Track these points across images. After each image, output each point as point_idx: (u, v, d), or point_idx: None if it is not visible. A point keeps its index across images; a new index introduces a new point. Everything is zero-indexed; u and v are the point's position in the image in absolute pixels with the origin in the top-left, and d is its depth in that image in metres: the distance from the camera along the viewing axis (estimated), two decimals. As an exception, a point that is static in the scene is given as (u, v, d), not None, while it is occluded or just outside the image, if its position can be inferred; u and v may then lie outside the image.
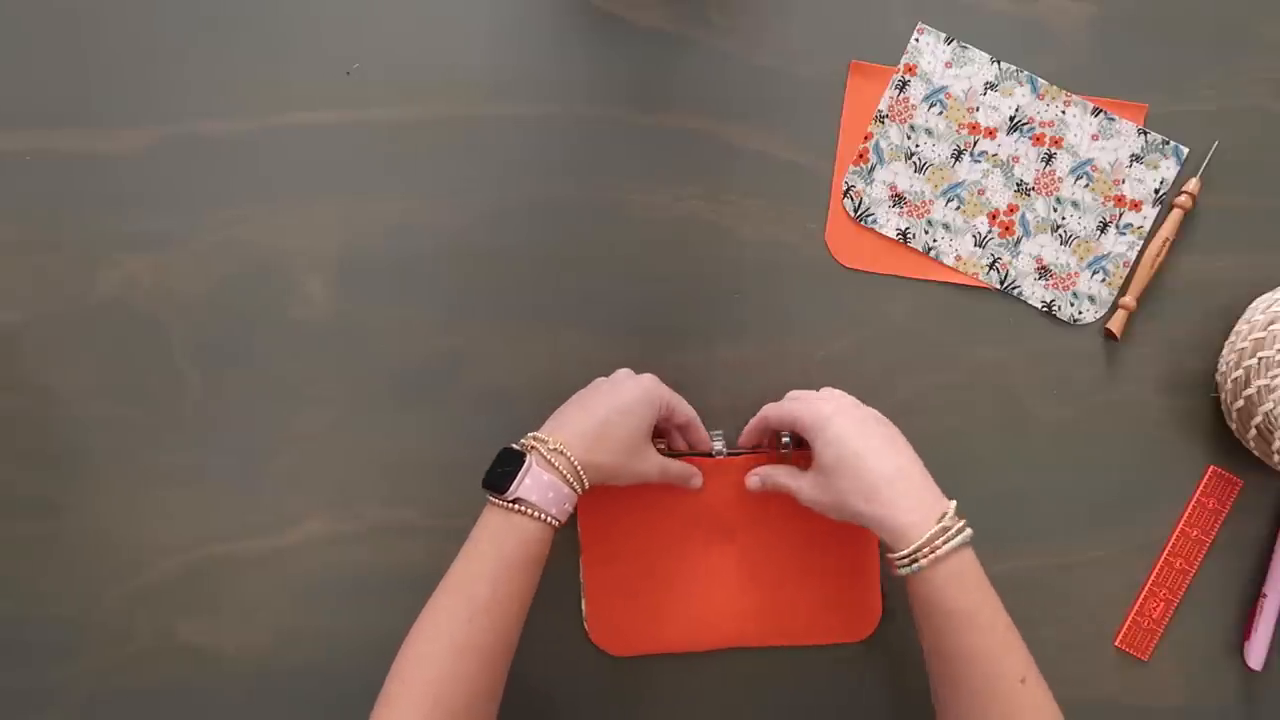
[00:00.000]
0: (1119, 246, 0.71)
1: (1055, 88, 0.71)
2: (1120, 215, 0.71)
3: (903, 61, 0.71)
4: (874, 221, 0.71)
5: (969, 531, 0.57)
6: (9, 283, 0.69)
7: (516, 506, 0.57)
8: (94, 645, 0.67)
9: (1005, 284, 0.71)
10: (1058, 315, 0.71)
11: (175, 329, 0.69)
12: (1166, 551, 0.70)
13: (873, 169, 0.71)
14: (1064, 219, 0.71)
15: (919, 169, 0.71)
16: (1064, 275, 0.71)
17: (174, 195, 0.69)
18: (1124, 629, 0.70)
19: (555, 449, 0.58)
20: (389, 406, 0.69)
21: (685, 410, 0.66)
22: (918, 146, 0.71)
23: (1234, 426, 0.69)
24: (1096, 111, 0.71)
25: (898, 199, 0.71)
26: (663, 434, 0.68)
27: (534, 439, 0.59)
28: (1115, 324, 0.70)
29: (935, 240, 0.71)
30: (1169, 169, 0.71)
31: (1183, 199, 0.70)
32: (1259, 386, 0.64)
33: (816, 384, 0.68)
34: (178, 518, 0.68)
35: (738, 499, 0.68)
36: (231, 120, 0.69)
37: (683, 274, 0.70)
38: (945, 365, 0.71)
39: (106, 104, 0.69)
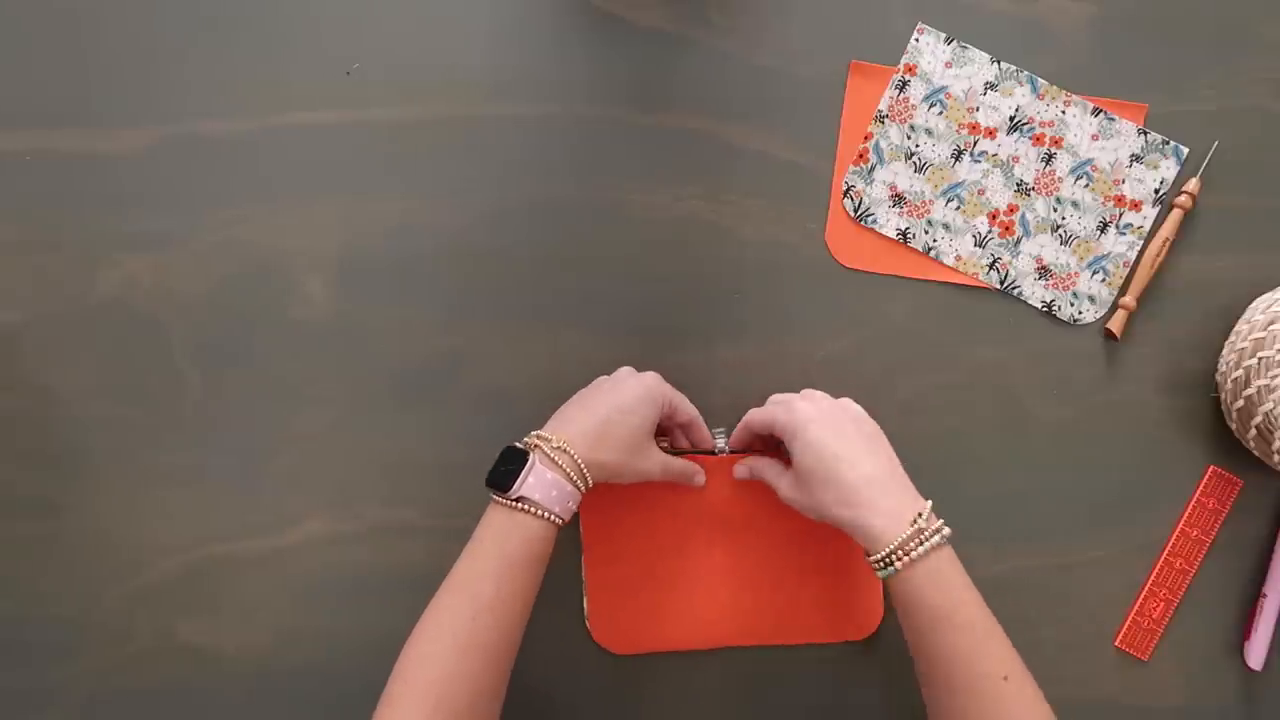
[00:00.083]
0: (1119, 246, 0.71)
1: (1055, 88, 0.71)
2: (1120, 215, 0.71)
3: (903, 61, 0.71)
4: (874, 221, 0.71)
5: (946, 531, 0.57)
6: (9, 283, 0.69)
7: (520, 505, 0.57)
8: (94, 645, 0.67)
9: (1005, 284, 0.71)
10: (1058, 315, 0.71)
11: (175, 329, 0.69)
12: (1166, 551, 0.70)
13: (873, 169, 0.71)
14: (1064, 219, 0.71)
15: (919, 169, 0.71)
16: (1064, 275, 0.71)
17: (174, 195, 0.69)
18: (1124, 629, 0.70)
19: (558, 447, 0.58)
20: (389, 406, 0.69)
21: (687, 408, 0.66)
22: (918, 146, 0.71)
23: (1234, 426, 0.69)
24: (1096, 111, 0.71)
25: (898, 199, 0.71)
26: (665, 432, 0.68)
27: (537, 437, 0.59)
28: (1115, 324, 0.70)
29: (935, 240, 0.71)
30: (1169, 169, 0.71)
31: (1183, 199, 0.70)
32: (1259, 386, 0.64)
33: (817, 384, 0.68)
34: (178, 518, 0.68)
35: (739, 497, 0.68)
36: (231, 120, 0.69)
37: (683, 274, 0.70)
38: (945, 365, 0.71)
39: (106, 104, 0.69)
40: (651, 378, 0.64)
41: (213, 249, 0.69)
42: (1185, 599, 0.70)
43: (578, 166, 0.70)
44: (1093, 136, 0.71)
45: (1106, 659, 0.70)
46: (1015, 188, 0.71)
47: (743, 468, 0.67)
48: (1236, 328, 0.69)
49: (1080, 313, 0.71)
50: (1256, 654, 0.69)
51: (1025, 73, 0.71)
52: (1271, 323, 0.65)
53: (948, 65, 0.71)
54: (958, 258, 0.71)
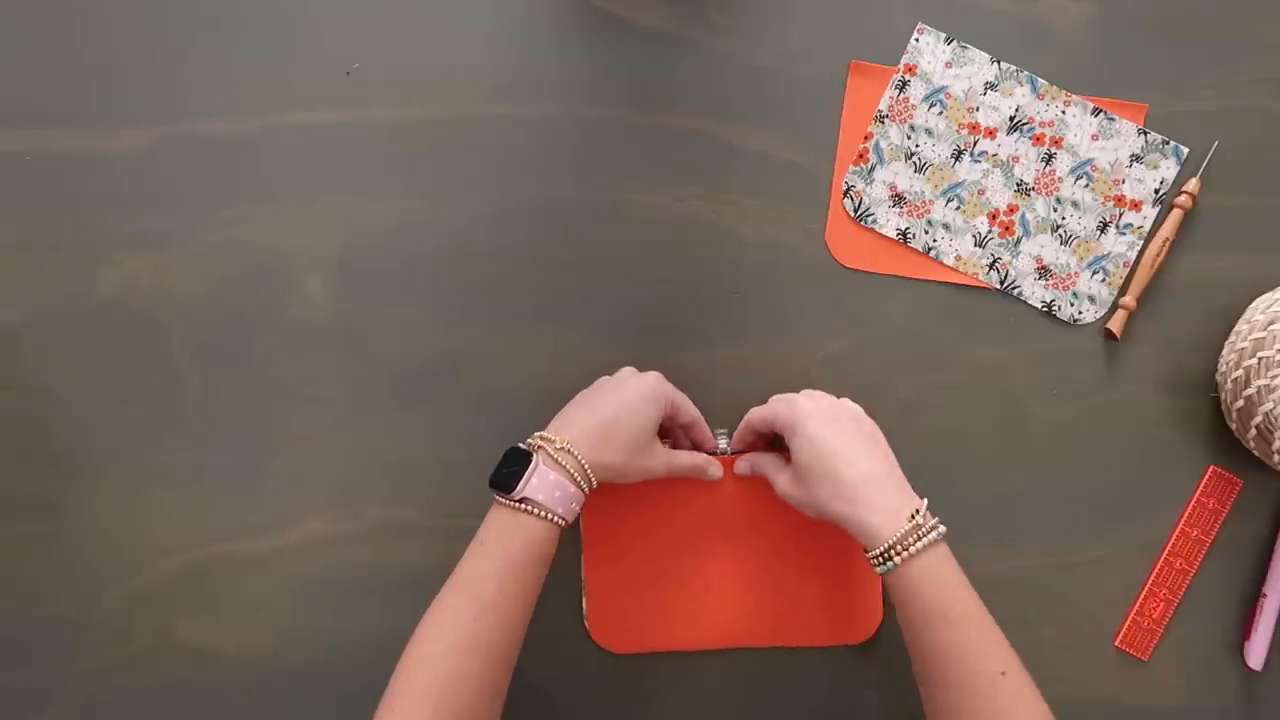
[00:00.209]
0: (1119, 246, 0.71)
1: (1055, 88, 0.71)
2: (1120, 215, 0.71)
3: (903, 61, 0.71)
4: (874, 221, 0.71)
5: (942, 529, 0.57)
6: (9, 283, 0.69)
7: (523, 506, 0.57)
8: (94, 645, 0.67)
9: (1005, 284, 0.71)
10: (1058, 315, 0.71)
11: (175, 329, 0.69)
12: (1166, 551, 0.70)
13: (873, 169, 0.71)
14: (1064, 219, 0.71)
15: (919, 169, 0.71)
16: (1064, 275, 0.71)
17: (174, 195, 0.69)
18: (1124, 629, 0.70)
19: (562, 448, 0.58)
20: (389, 406, 0.69)
21: (689, 409, 0.66)
22: (918, 146, 0.71)
23: (1234, 426, 0.69)
24: (1096, 111, 0.71)
25: (898, 199, 0.71)
26: (667, 433, 0.68)
27: (541, 438, 0.59)
28: (1115, 324, 0.70)
29: (935, 240, 0.71)
30: (1169, 169, 0.71)
31: (1183, 199, 0.70)
32: (1259, 386, 0.64)
33: (816, 384, 0.68)
34: (178, 518, 0.68)
35: (740, 498, 0.68)
36: (231, 120, 0.69)
37: (683, 274, 0.70)
38: (945, 365, 0.71)
39: (106, 104, 0.69)
40: (654, 377, 0.64)
41: (213, 249, 0.69)
42: (1185, 599, 0.70)
43: (578, 166, 0.70)
44: (1093, 136, 0.71)
45: (1106, 659, 0.70)
46: (1015, 188, 0.71)
47: (744, 463, 0.67)
48: (1236, 328, 0.69)
49: (1080, 313, 0.71)
50: (1256, 654, 0.69)
51: (1025, 73, 0.71)
52: (1271, 323, 0.65)
53: (948, 65, 0.71)
54: (958, 258, 0.71)
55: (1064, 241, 0.71)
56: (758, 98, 0.71)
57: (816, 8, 0.71)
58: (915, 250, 0.71)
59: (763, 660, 0.69)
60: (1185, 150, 0.71)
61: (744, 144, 0.71)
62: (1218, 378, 0.70)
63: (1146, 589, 0.70)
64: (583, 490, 0.59)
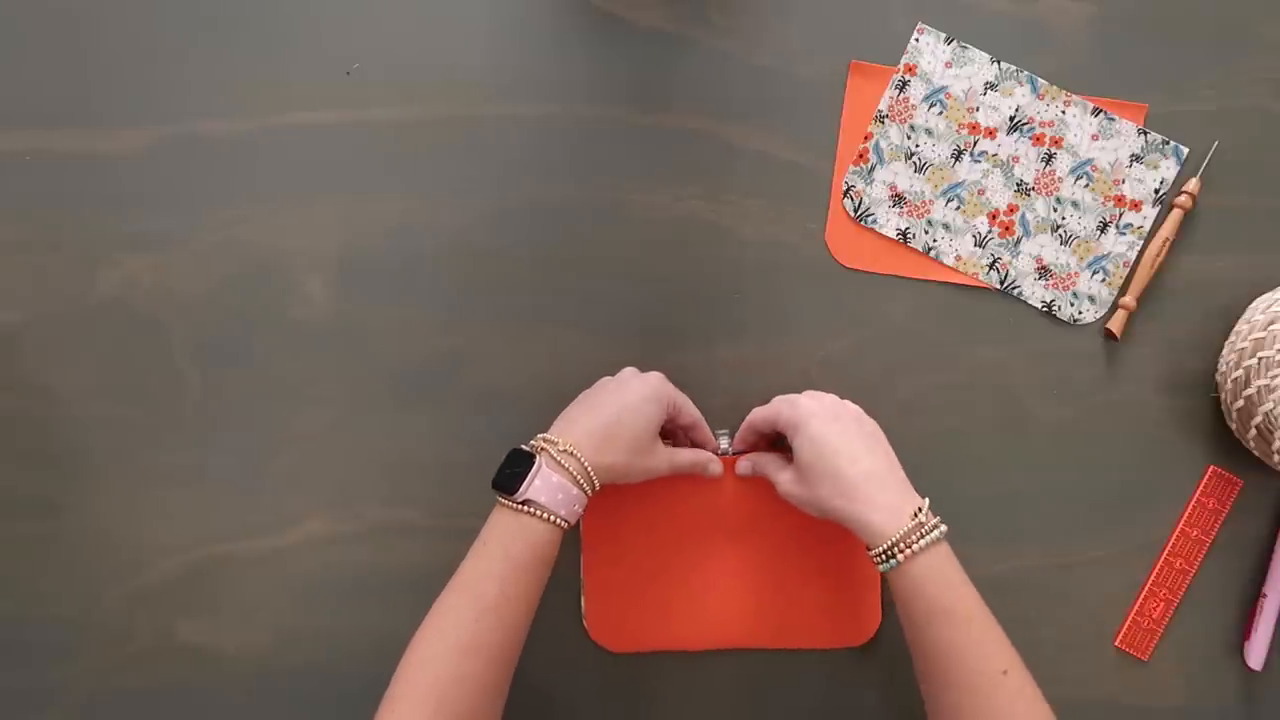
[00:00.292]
0: (1119, 246, 0.71)
1: (1055, 88, 0.71)
2: (1120, 215, 0.71)
3: (903, 61, 0.71)
4: (874, 221, 0.71)
5: (943, 528, 0.58)
6: (9, 283, 0.69)
7: (525, 508, 0.57)
8: (94, 645, 0.67)
9: (1005, 284, 0.71)
10: (1058, 315, 0.71)
11: (175, 329, 0.69)
12: (1166, 551, 0.70)
13: (873, 169, 0.71)
14: (1064, 219, 0.71)
15: (919, 169, 0.71)
16: (1064, 275, 0.71)
17: (174, 195, 0.69)
18: (1124, 629, 0.70)
19: (565, 450, 0.58)
20: (389, 406, 0.69)
21: (691, 411, 0.66)
22: (918, 146, 0.71)
23: (1234, 426, 0.69)
24: (1096, 111, 0.71)
25: (898, 199, 0.71)
26: (668, 435, 0.67)
27: (544, 440, 0.59)
28: (1115, 324, 0.70)
29: (935, 240, 0.71)
30: (1169, 169, 0.71)
31: (1183, 199, 0.70)
32: (1259, 386, 0.64)
33: (816, 384, 0.68)
34: (178, 518, 0.68)
35: (740, 499, 0.68)
36: (231, 120, 0.69)
37: (683, 274, 0.70)
38: (945, 365, 0.71)
39: (106, 104, 0.69)
40: (656, 378, 0.64)
41: (213, 249, 0.69)
42: (1185, 599, 0.70)
43: (578, 166, 0.70)
44: (1093, 136, 0.71)
45: (1106, 659, 0.70)
46: (1015, 188, 0.71)
47: (745, 462, 0.67)
48: (1236, 328, 0.69)
49: (1080, 313, 0.71)
50: (1256, 654, 0.69)
51: (1025, 73, 0.71)
52: (1271, 323, 0.65)
53: (948, 65, 0.71)
54: (958, 258, 0.71)
55: (1064, 241, 0.71)
56: (758, 98, 0.71)
57: (816, 8, 0.71)
58: (915, 250, 0.71)
59: (762, 661, 0.69)
60: (1185, 150, 0.71)
61: (744, 144, 0.71)
62: (1218, 378, 0.70)
63: (1146, 589, 0.70)
64: (585, 493, 0.59)
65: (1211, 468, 0.71)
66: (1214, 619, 0.70)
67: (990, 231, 0.71)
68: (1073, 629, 0.70)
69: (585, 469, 0.58)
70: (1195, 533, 0.70)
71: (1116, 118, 0.71)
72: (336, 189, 0.70)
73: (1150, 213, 0.71)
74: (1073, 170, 0.71)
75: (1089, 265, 0.71)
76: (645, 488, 0.64)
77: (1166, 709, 0.70)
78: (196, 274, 0.69)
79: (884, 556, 0.57)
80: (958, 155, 0.71)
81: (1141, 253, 0.71)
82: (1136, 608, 0.70)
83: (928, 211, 0.71)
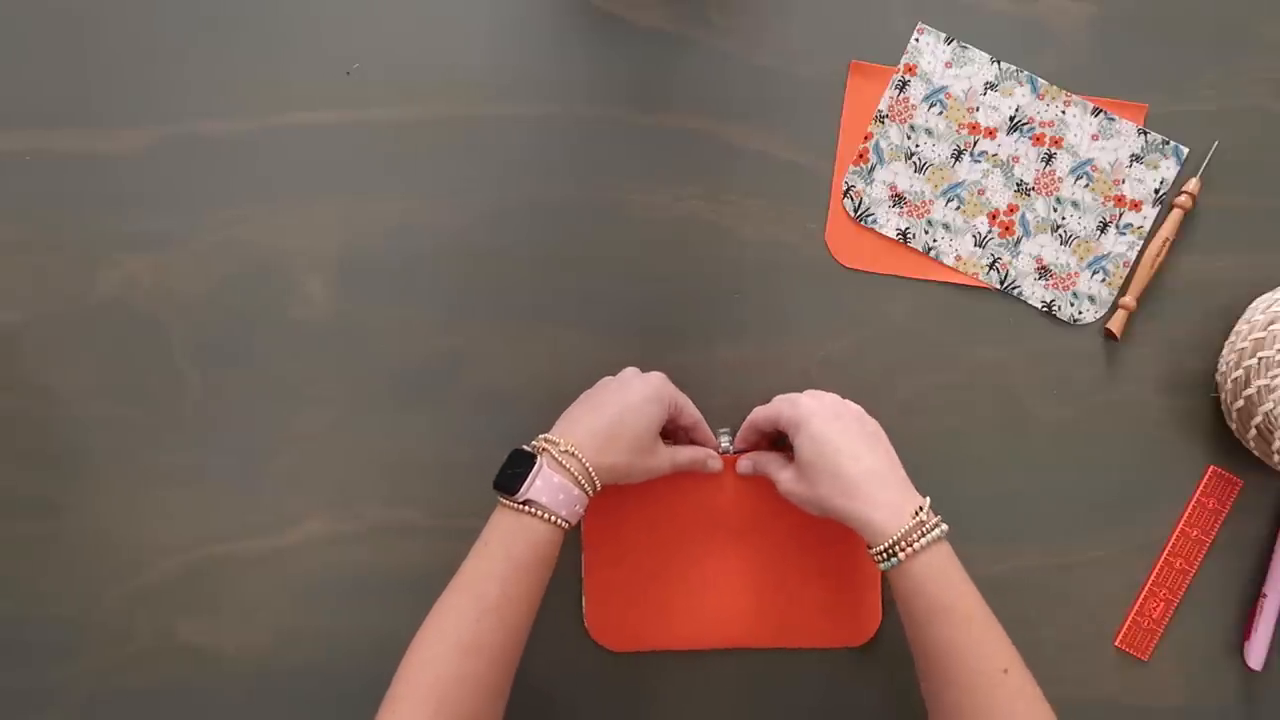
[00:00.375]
0: (1119, 246, 0.71)
1: (1055, 88, 0.71)
2: (1120, 215, 0.71)
3: (903, 61, 0.71)
4: (874, 221, 0.71)
5: (944, 526, 0.58)
6: (9, 283, 0.69)
7: (527, 508, 0.57)
8: (94, 645, 0.67)
9: (1005, 284, 0.71)
10: (1058, 315, 0.71)
11: (175, 329, 0.69)
12: (1166, 551, 0.70)
13: (873, 169, 0.71)
14: (1064, 219, 0.71)
15: (919, 169, 0.71)
16: (1064, 275, 0.71)
17: (174, 195, 0.69)
18: (1124, 629, 0.70)
19: (566, 451, 0.58)
20: (389, 406, 0.69)
21: (692, 411, 0.66)
22: (918, 146, 0.71)
23: (1234, 426, 0.69)
24: (1096, 111, 0.71)
25: (898, 199, 0.71)
26: (668, 435, 0.67)
27: (545, 440, 0.59)
28: (1115, 324, 0.70)
29: (935, 240, 0.71)
30: (1169, 169, 0.71)
31: (1183, 199, 0.70)
32: (1259, 386, 0.64)
33: (817, 384, 0.68)
34: (178, 518, 0.68)
35: (741, 499, 0.68)
36: (231, 120, 0.69)
37: (683, 274, 0.70)
38: (945, 365, 0.71)
39: (106, 104, 0.69)
40: (658, 378, 0.64)
41: (213, 249, 0.69)
42: (1185, 599, 0.70)
43: (578, 166, 0.70)
44: (1093, 136, 0.71)
45: (1106, 659, 0.70)
46: (1015, 188, 0.71)
47: (746, 462, 0.67)
48: (1236, 328, 0.69)
49: (1080, 313, 0.71)
50: (1256, 654, 0.69)
51: (1025, 73, 0.71)
52: (1271, 323, 0.65)
53: (948, 65, 0.71)
54: (958, 258, 0.71)
55: (1064, 241, 0.71)
56: (758, 98, 0.71)
57: (816, 8, 0.71)
58: (915, 250, 0.71)
59: (763, 660, 0.69)
60: (1185, 150, 0.71)
61: (744, 144, 0.71)
62: (1218, 378, 0.70)
63: (1146, 589, 0.70)
64: (586, 493, 0.59)
65: (1211, 468, 0.71)
66: (1214, 619, 0.70)
67: (990, 231, 0.71)
68: (1073, 629, 0.70)
69: (587, 469, 0.58)
70: (1195, 533, 0.70)
71: (1116, 118, 0.71)
72: (336, 189, 0.70)
73: (1150, 213, 0.71)
74: (1073, 170, 0.71)
75: (1089, 265, 0.71)
76: (646, 488, 0.64)
77: (1166, 709, 0.70)
78: (196, 274, 0.69)
79: (885, 555, 0.57)
80: (958, 155, 0.71)
81: (1141, 253, 0.71)
82: (1136, 608, 0.70)
83: (928, 211, 0.71)
